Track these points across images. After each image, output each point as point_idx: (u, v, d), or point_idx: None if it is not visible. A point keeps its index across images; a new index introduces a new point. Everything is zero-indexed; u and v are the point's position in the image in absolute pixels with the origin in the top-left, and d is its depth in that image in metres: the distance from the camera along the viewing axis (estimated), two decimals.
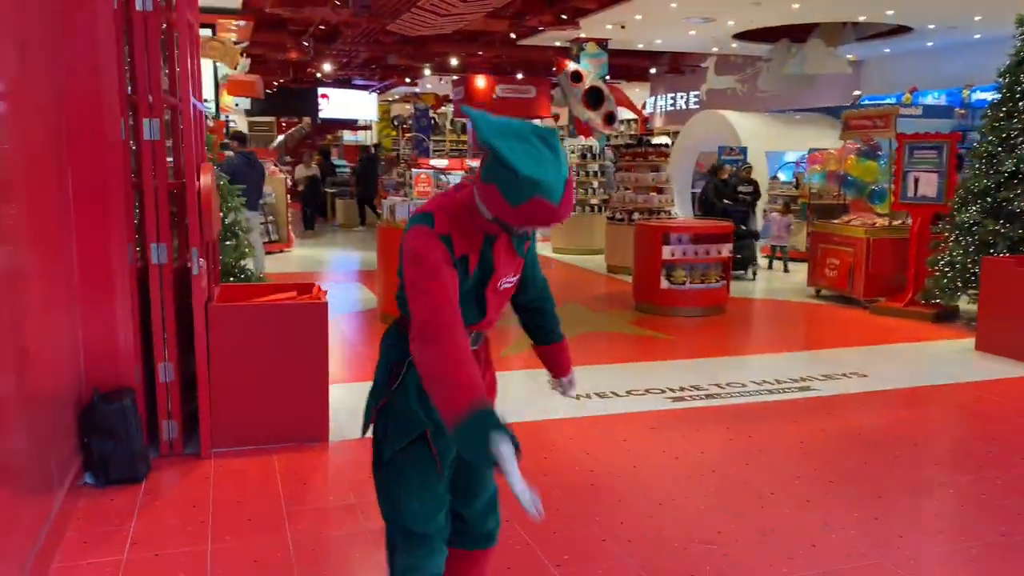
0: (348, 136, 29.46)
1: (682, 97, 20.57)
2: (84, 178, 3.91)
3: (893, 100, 15.43)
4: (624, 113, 18.04)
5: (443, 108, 26.98)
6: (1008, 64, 7.74)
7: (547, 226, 2.06)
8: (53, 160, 3.70)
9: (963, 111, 14.89)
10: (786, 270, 11.57)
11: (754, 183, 11.84)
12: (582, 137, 14.50)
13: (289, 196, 16.72)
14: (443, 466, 2.30)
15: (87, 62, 3.85)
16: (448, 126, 27.10)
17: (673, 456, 4.54)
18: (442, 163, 14.21)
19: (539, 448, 4.59)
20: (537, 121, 25.99)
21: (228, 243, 5.83)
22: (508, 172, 1.94)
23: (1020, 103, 7.57)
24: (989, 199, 7.65)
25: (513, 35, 15.47)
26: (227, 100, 13.67)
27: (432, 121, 24.70)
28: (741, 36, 15.31)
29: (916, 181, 8.41)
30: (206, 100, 9.54)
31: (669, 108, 21.34)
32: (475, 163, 11.91)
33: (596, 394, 5.63)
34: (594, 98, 14.94)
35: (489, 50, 17.43)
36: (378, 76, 23.95)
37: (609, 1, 12.67)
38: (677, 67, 19.50)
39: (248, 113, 23.59)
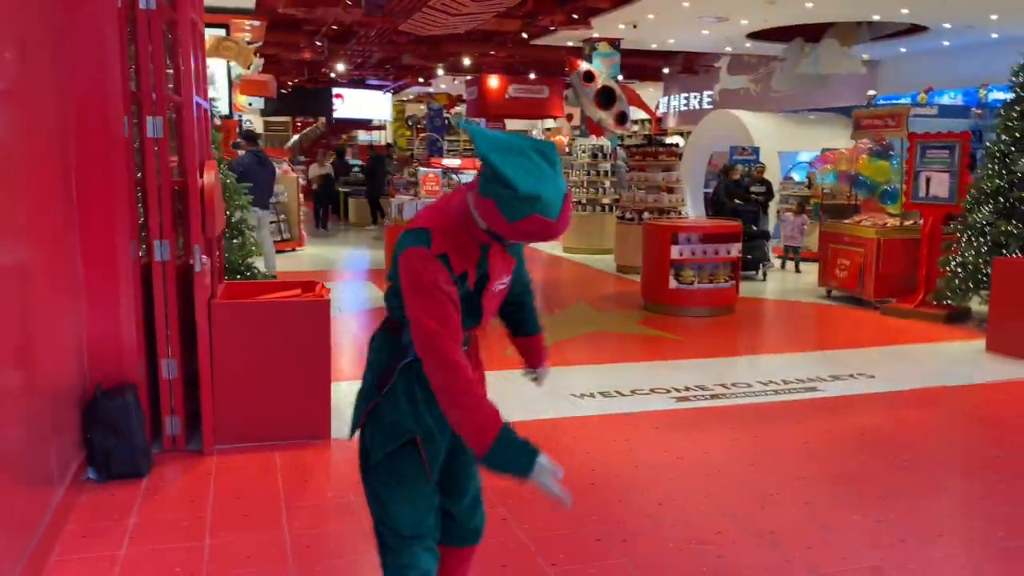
0: (363, 136, 29.58)
1: (695, 97, 20.47)
2: (88, 175, 3.95)
3: (908, 100, 15.30)
4: (637, 113, 17.98)
5: (457, 108, 27.02)
6: (1022, 64, 7.66)
7: (543, 241, 2.06)
8: (57, 157, 3.74)
9: (979, 111, 14.72)
10: (797, 270, 11.50)
11: (767, 183, 11.77)
12: (594, 137, 14.48)
13: (303, 195, 16.83)
14: (432, 471, 2.30)
15: (91, 60, 3.89)
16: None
17: (675, 456, 4.53)
18: (454, 163, 14.23)
19: (540, 447, 4.57)
20: (550, 121, 26.03)
21: (235, 241, 5.86)
22: (506, 189, 1.93)
23: None
24: (1002, 199, 7.58)
25: (525, 35, 15.45)
26: (241, 100, 13.76)
27: (446, 121, 24.74)
28: (755, 36, 15.21)
29: (928, 181, 8.33)
30: (214, 99, 9.61)
31: (682, 108, 21.25)
32: None
33: (600, 393, 5.62)
34: (606, 98, 14.90)
35: (502, 50, 17.42)
36: (392, 76, 24.01)
37: (621, 0, 12.63)
38: (690, 67, 19.41)
39: (263, 113, 23.75)
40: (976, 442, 4.95)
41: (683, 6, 12.64)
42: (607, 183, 13.66)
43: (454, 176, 11.53)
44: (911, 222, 9.00)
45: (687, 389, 5.73)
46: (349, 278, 11.19)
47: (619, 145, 14.60)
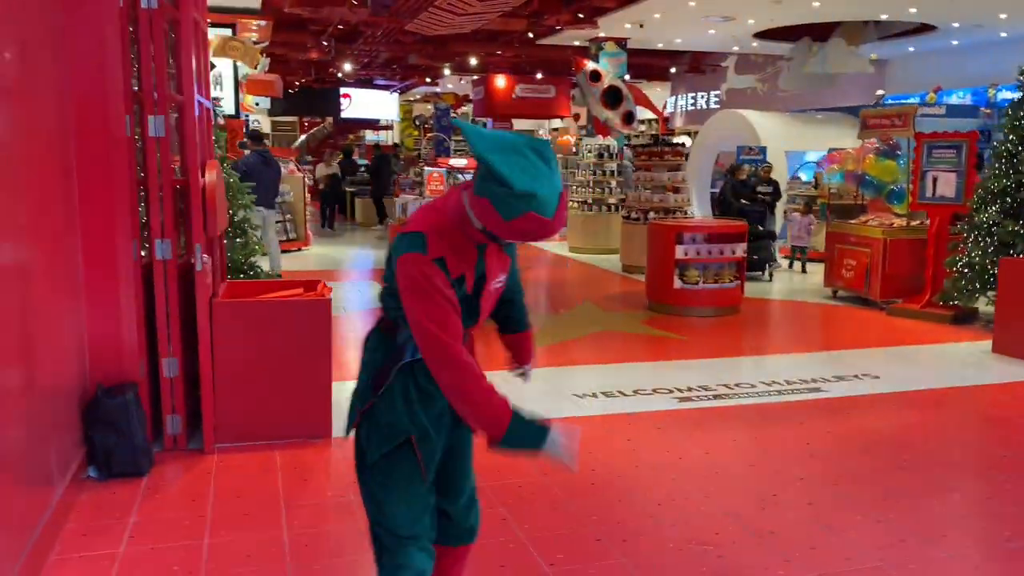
0: (370, 136, 29.60)
1: (703, 97, 20.43)
2: (89, 174, 3.95)
3: (917, 100, 15.22)
4: (645, 113, 17.95)
5: (463, 108, 27.03)
6: None
7: (538, 240, 2.05)
8: (58, 156, 3.75)
9: (988, 111, 14.63)
10: (804, 271, 11.45)
11: (774, 183, 11.74)
12: (600, 136, 14.46)
13: (309, 195, 16.86)
14: (428, 471, 2.29)
15: (92, 59, 3.89)
16: None
17: (677, 456, 4.51)
18: (461, 162, 14.23)
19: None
20: (557, 121, 26.01)
21: (237, 240, 5.87)
22: (502, 187, 1.92)
23: None
24: (1009, 199, 7.53)
25: (531, 34, 15.45)
26: (248, 100, 13.79)
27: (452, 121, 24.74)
28: (762, 35, 15.16)
29: (935, 181, 8.29)
30: (217, 98, 9.62)
31: (690, 108, 21.21)
32: None
33: (603, 393, 5.60)
34: (612, 97, 14.88)
35: (508, 50, 17.42)
36: (399, 76, 24.04)
37: (627, 0, 12.61)
38: (697, 66, 19.38)
39: (270, 113, 23.81)
40: (981, 442, 4.92)
41: (689, 5, 12.61)
42: (613, 183, 13.63)
43: (460, 175, 11.54)
44: (918, 222, 8.96)
45: (690, 389, 5.71)
46: (354, 278, 11.20)
47: (626, 145, 14.58)
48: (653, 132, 20.66)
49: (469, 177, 2.29)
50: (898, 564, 3.31)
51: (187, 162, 4.27)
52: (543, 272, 11.97)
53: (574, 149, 16.45)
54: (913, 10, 12.65)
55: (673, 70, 20.21)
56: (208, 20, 5.01)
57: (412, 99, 29.81)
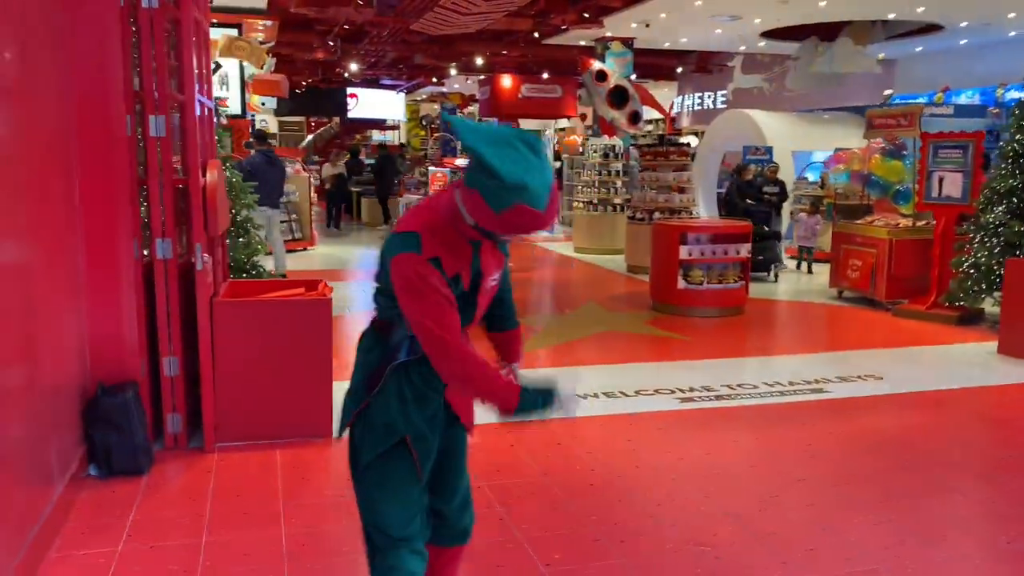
0: (377, 136, 29.63)
1: (709, 96, 20.35)
2: (91, 174, 3.97)
3: (925, 99, 15.16)
4: (652, 113, 17.91)
5: (469, 108, 27.02)
6: None
7: (530, 233, 2.05)
8: (60, 156, 3.76)
9: (996, 110, 14.56)
10: (810, 271, 11.41)
11: (781, 183, 11.69)
12: (606, 136, 14.43)
13: (316, 194, 16.88)
14: (423, 471, 2.29)
15: (93, 59, 3.91)
16: None
17: (677, 457, 4.50)
18: (465, 162, 14.23)
19: (542, 447, 4.57)
20: (564, 121, 25.98)
21: (240, 240, 5.88)
22: (492, 179, 1.91)
23: None
24: (1015, 200, 7.49)
25: (537, 34, 15.43)
26: (255, 100, 13.82)
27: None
28: (769, 34, 15.11)
29: (941, 181, 8.24)
30: (220, 98, 9.64)
31: (696, 107, 21.15)
32: None
33: (604, 394, 5.59)
34: (618, 97, 14.84)
35: (514, 49, 17.39)
36: (405, 76, 24.02)
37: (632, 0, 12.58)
38: (704, 66, 19.30)
39: (277, 112, 23.84)
40: (984, 444, 4.89)
41: (695, 5, 12.57)
42: (619, 183, 13.61)
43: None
44: (924, 223, 8.91)
45: (692, 390, 5.70)
46: (359, 277, 11.19)
47: (632, 144, 14.55)
48: (660, 132, 20.62)
49: None
50: (897, 566, 3.29)
51: (188, 162, 4.28)
52: (548, 272, 11.96)
53: (580, 149, 16.41)
54: (921, 9, 12.57)
55: (680, 70, 20.15)
56: (211, 20, 5.02)
57: (419, 99, 29.81)
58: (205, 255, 4.27)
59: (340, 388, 4.66)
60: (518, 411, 2.10)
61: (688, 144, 12.50)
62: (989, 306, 7.98)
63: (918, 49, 15.91)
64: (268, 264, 9.04)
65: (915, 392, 5.79)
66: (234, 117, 11.18)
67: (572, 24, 13.96)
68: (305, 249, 13.22)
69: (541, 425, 4.88)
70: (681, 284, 8.38)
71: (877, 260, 8.70)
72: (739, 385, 5.84)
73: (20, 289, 3.19)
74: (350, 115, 26.54)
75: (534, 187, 1.93)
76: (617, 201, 13.41)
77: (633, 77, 15.59)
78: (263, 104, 17.30)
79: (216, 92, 10.45)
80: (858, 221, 9.56)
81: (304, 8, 12.97)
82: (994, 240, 7.56)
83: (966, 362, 6.67)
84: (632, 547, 3.42)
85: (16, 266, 3.18)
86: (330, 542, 3.45)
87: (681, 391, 5.68)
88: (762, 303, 9.20)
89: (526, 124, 24.75)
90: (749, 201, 11.12)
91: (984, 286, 7.59)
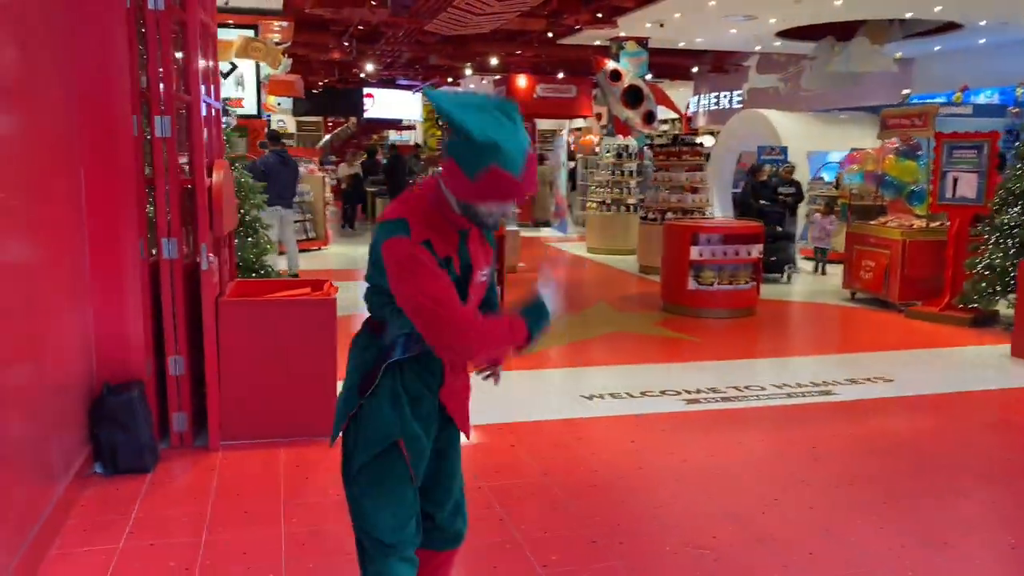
0: (393, 136, 29.73)
1: (725, 96, 20.27)
2: (97, 174, 4.01)
3: (943, 99, 15.00)
4: (668, 112, 17.85)
5: None
6: None
7: (508, 201, 2.03)
8: (66, 156, 3.80)
9: (1016, 110, 14.39)
10: (823, 272, 11.32)
11: (796, 184, 11.60)
12: (620, 136, 14.40)
13: (333, 194, 16.93)
14: (417, 474, 2.28)
15: (99, 60, 3.95)
16: None
17: (680, 459, 4.48)
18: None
19: (544, 448, 4.57)
20: (580, 121, 25.92)
21: (248, 239, 5.92)
22: (464, 141, 1.92)
23: None
24: None
25: (551, 34, 15.42)
26: (271, 100, 13.91)
27: None
28: (784, 34, 15.02)
29: (955, 181, 8.16)
30: (240, 98, 9.70)
31: (712, 107, 21.07)
32: None
33: (610, 395, 5.58)
34: (633, 97, 14.80)
35: (528, 49, 17.40)
36: (421, 76, 24.08)
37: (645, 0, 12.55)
38: (720, 66, 19.22)
39: (294, 113, 23.97)
40: (992, 447, 4.83)
41: (709, 5, 12.52)
42: (632, 183, 13.57)
43: None
44: (938, 223, 8.82)
45: (698, 391, 5.67)
46: None
47: (646, 145, 14.51)
48: (676, 132, 20.54)
49: None
50: (898, 569, 3.27)
51: (194, 162, 4.32)
52: (559, 272, 11.94)
53: (596, 149, 16.40)
54: (938, 8, 12.45)
55: (695, 70, 20.07)
56: (217, 21, 5.06)
57: None
58: (210, 255, 4.30)
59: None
60: (531, 341, 2.16)
61: (701, 144, 12.43)
62: (1003, 308, 7.90)
63: (936, 48, 15.75)
64: (280, 264, 9.11)
65: (925, 395, 5.73)
66: (250, 117, 11.26)
67: (585, 24, 13.95)
68: (319, 249, 13.29)
69: (545, 426, 4.90)
70: (692, 285, 8.34)
71: (890, 261, 8.63)
72: (746, 387, 5.81)
73: (26, 289, 3.23)
74: (366, 115, 26.66)
75: (507, 148, 1.92)
76: (631, 201, 13.38)
77: (649, 77, 15.55)
78: (279, 104, 17.41)
79: (232, 92, 10.54)
80: (871, 222, 9.48)
81: (319, 9, 13.05)
82: (1009, 241, 7.48)
83: (979, 364, 6.60)
84: (631, 549, 3.42)
85: (22, 266, 3.22)
86: (331, 541, 3.46)
87: (688, 392, 5.66)
88: (774, 304, 9.14)
89: (541, 124, 24.76)
90: (763, 202, 11.04)
91: (998, 288, 7.51)
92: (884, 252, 8.72)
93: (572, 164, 18.00)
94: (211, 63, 4.73)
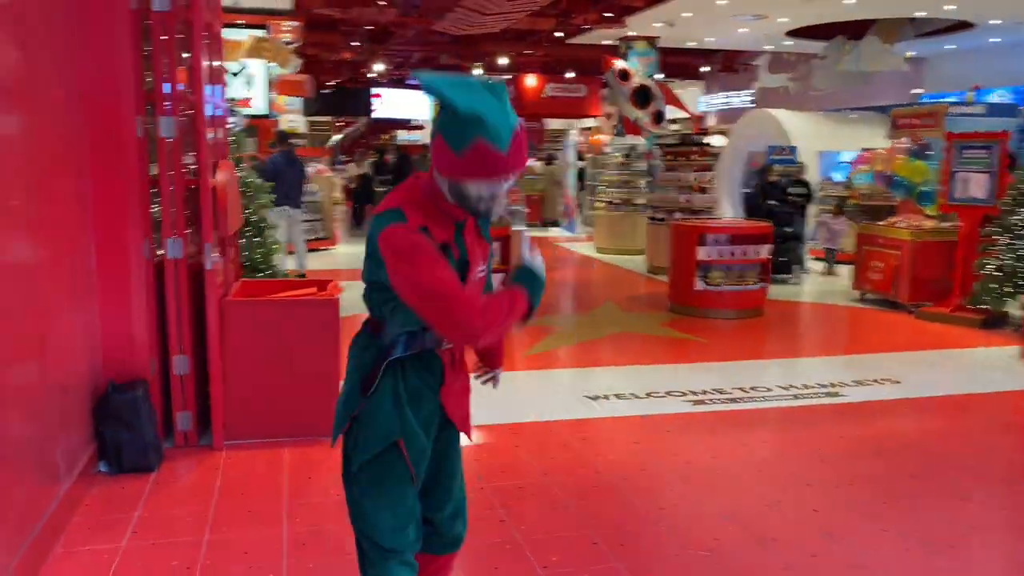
0: (403, 135, 29.78)
1: (735, 96, 20.23)
2: (102, 174, 4.03)
3: (955, 98, 14.92)
4: (678, 112, 17.82)
5: None
6: None
7: (496, 178, 2.01)
8: (71, 156, 3.82)
9: None
10: (832, 273, 11.26)
11: (806, 184, 11.54)
12: (629, 136, 14.37)
13: (344, 194, 16.96)
14: (417, 474, 2.27)
15: (104, 61, 3.97)
16: None
17: (684, 460, 4.47)
18: None
19: (546, 448, 4.57)
20: (590, 120, 25.91)
21: (255, 239, 5.93)
22: (450, 115, 1.93)
23: None
24: None
25: (560, 33, 15.44)
26: (281, 100, 13.95)
27: None
28: (795, 33, 14.98)
29: (965, 181, 8.10)
30: (244, 98, 9.73)
31: (723, 107, 21.02)
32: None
33: (615, 395, 5.57)
34: (642, 96, 14.79)
35: (538, 49, 17.43)
36: None
37: None
38: (730, 65, 19.20)
39: (305, 113, 24.00)
40: (1000, 449, 4.79)
41: (719, 4, 12.50)
42: (641, 183, 13.54)
43: None
44: (948, 224, 8.76)
45: (704, 392, 5.66)
46: None
47: (656, 144, 14.49)
48: (686, 132, 20.50)
49: None
50: (899, 572, 3.24)
51: (198, 162, 4.33)
52: (567, 272, 11.92)
53: (606, 149, 16.39)
54: (950, 7, 12.39)
55: (706, 69, 20.03)
56: (223, 22, 5.07)
57: None
58: (215, 254, 4.32)
59: None
60: (533, 310, 2.18)
61: (710, 144, 12.38)
62: (1014, 309, 7.83)
63: (948, 47, 15.67)
64: (288, 263, 9.13)
65: (933, 396, 5.69)
66: (260, 117, 11.30)
67: (594, 23, 13.95)
68: (328, 248, 13.32)
69: (547, 426, 4.90)
70: (699, 285, 8.31)
71: (900, 262, 8.57)
72: (752, 388, 5.79)
73: (31, 288, 3.25)
74: (375, 115, 26.72)
75: (492, 122, 1.93)
76: (639, 201, 13.35)
77: (659, 76, 15.53)
78: (289, 104, 17.44)
79: (242, 92, 10.58)
80: (881, 222, 9.42)
81: (328, 9, 13.10)
82: (1020, 242, 7.42)
83: (988, 366, 6.55)
84: (632, 550, 3.41)
85: (27, 266, 3.24)
86: (333, 541, 3.47)
87: (694, 394, 5.64)
88: (782, 305, 9.10)
89: (551, 124, 24.74)
90: (772, 202, 10.99)
91: (1009, 288, 7.45)
92: (894, 253, 8.67)
93: (581, 164, 17.99)
94: (216, 63, 4.75)
